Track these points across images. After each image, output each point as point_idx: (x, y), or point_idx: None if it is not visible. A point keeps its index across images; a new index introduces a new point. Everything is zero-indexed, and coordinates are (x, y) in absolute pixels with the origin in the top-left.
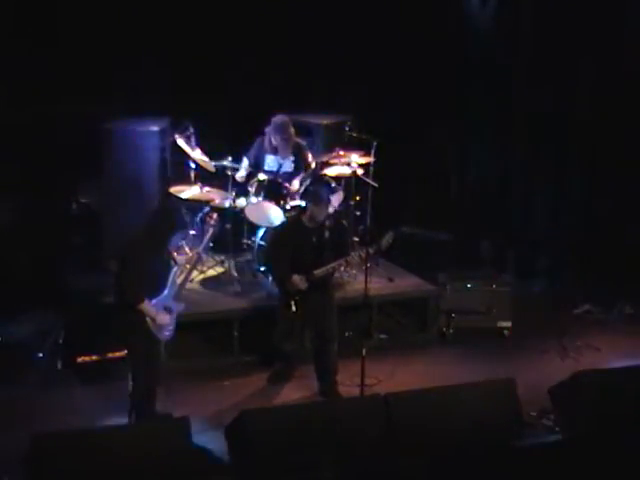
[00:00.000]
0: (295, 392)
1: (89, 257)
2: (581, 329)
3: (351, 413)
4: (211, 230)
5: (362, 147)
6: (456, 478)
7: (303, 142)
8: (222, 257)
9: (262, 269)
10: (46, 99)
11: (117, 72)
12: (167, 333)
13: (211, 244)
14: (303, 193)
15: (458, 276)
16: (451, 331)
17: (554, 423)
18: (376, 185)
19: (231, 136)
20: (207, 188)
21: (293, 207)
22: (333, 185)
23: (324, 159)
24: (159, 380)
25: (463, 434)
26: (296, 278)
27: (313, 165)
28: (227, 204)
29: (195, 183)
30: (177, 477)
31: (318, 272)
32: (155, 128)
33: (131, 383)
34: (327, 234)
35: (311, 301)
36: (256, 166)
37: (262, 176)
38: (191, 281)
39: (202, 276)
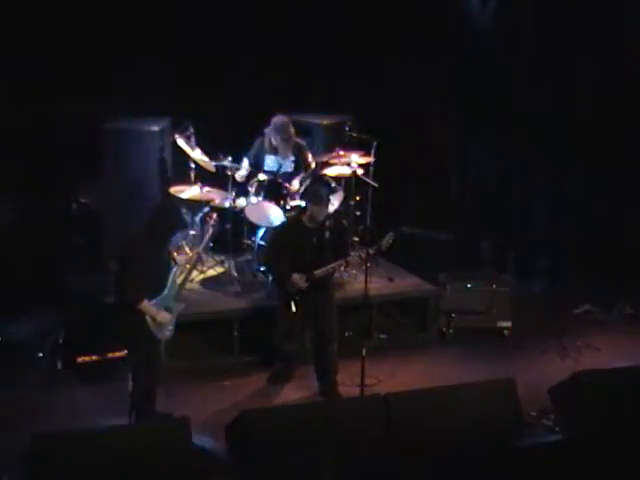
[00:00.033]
0: (295, 392)
1: (89, 257)
2: (581, 329)
3: (351, 413)
4: (211, 230)
5: (362, 147)
6: (456, 478)
7: (303, 142)
8: (222, 257)
9: (262, 269)
10: (46, 99)
11: (117, 72)
12: (167, 333)
13: (211, 244)
14: (303, 193)
15: (458, 276)
16: (451, 331)
17: (554, 423)
18: (376, 185)
19: (231, 136)
20: (207, 188)
21: (293, 207)
22: (333, 185)
23: (324, 159)
24: (159, 380)
25: (463, 434)
26: (296, 277)
27: (313, 165)
28: (227, 204)
29: (195, 183)
30: (177, 477)
31: (318, 272)
32: (155, 128)
33: (131, 383)
34: (327, 234)
35: (311, 301)
36: (256, 166)
37: (262, 176)
38: (191, 281)
39: (202, 276)
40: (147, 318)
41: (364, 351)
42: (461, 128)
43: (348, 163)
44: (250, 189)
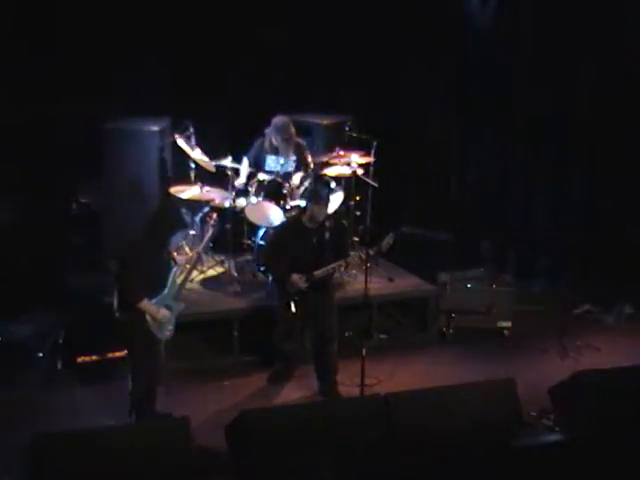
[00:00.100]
0: (295, 392)
1: (89, 257)
2: (581, 329)
3: (351, 413)
4: (211, 230)
5: (362, 147)
6: (456, 478)
7: (303, 142)
8: (222, 257)
9: (262, 269)
10: (46, 99)
11: (117, 72)
12: (167, 333)
13: (211, 244)
14: (303, 193)
15: (458, 276)
16: (451, 331)
17: (554, 423)
18: (376, 185)
19: (231, 136)
20: (207, 188)
21: (293, 207)
22: (333, 185)
23: (324, 159)
24: (159, 380)
25: (463, 434)
26: (296, 278)
27: (312, 165)
28: (227, 204)
29: (195, 183)
30: (177, 477)
31: (318, 273)
32: (155, 128)
33: (131, 383)
34: (327, 234)
35: (311, 301)
36: (257, 166)
37: (262, 176)
38: (191, 281)
39: (202, 276)
40: (147, 318)
41: (364, 351)
42: (461, 128)
43: (348, 163)
44: (250, 189)
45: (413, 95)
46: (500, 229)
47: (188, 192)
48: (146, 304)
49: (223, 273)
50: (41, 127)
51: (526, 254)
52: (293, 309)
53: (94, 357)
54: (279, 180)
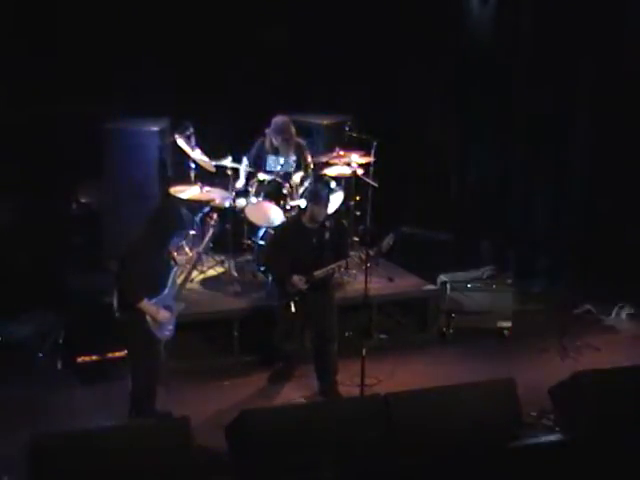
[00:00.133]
0: (295, 392)
1: (89, 257)
2: (581, 329)
3: (351, 413)
4: (211, 230)
5: (362, 147)
6: (456, 478)
7: (303, 142)
8: (222, 257)
9: (262, 269)
10: (46, 99)
11: (117, 72)
12: (167, 332)
13: (211, 244)
14: (303, 193)
15: (458, 276)
16: (451, 331)
17: (554, 423)
18: (376, 185)
19: (231, 136)
20: (207, 188)
21: (293, 207)
22: (333, 185)
23: (324, 159)
24: (159, 379)
25: (463, 434)
26: (295, 278)
27: (312, 165)
28: (227, 204)
29: (195, 183)
30: (177, 477)
31: (318, 273)
32: (155, 128)
33: (131, 383)
34: (327, 235)
35: (311, 301)
36: (256, 167)
37: (262, 176)
38: (191, 281)
39: (202, 276)
40: (147, 318)
41: (364, 351)
42: (461, 128)
43: (348, 163)
44: (250, 189)
45: (413, 95)
46: (500, 229)
47: (188, 192)
48: (146, 304)
49: (223, 273)
50: (41, 127)
51: (526, 254)
52: (293, 309)
53: (94, 357)
54: (279, 180)
